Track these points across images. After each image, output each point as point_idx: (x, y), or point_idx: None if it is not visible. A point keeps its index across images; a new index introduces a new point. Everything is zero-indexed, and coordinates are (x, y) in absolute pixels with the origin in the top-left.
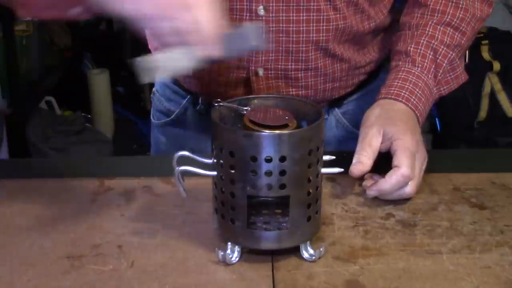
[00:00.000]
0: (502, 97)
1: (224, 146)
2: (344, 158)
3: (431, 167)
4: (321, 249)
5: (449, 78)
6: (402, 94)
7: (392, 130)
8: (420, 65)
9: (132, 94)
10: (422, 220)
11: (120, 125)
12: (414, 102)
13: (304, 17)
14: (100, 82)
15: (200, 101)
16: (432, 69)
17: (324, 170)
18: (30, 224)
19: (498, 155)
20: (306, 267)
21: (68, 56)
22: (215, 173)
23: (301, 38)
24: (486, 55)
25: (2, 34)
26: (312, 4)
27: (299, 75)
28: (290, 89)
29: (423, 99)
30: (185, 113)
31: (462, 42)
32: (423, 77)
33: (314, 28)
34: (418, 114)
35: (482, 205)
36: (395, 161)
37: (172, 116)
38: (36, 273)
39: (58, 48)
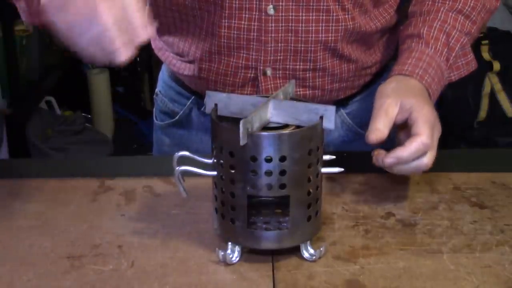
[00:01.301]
0: (502, 97)
1: (224, 146)
2: (345, 158)
3: (432, 167)
4: (321, 248)
5: (460, 64)
6: (417, 71)
7: (410, 101)
8: (433, 47)
9: (132, 94)
10: (423, 220)
11: (120, 125)
12: (428, 80)
13: (314, 17)
14: (100, 82)
15: (205, 102)
16: (444, 52)
17: (324, 170)
18: (30, 224)
19: (498, 155)
20: (306, 267)
21: (68, 56)
22: (215, 173)
23: (310, 38)
24: (486, 55)
25: (2, 34)
26: (322, 4)
27: (307, 75)
28: (298, 89)
29: (436, 79)
30: (190, 114)
31: (472, 31)
32: (436, 59)
33: (324, 28)
34: (431, 93)
35: (483, 205)
36: (415, 130)
37: (176, 117)
38: (36, 273)
39: (58, 48)
